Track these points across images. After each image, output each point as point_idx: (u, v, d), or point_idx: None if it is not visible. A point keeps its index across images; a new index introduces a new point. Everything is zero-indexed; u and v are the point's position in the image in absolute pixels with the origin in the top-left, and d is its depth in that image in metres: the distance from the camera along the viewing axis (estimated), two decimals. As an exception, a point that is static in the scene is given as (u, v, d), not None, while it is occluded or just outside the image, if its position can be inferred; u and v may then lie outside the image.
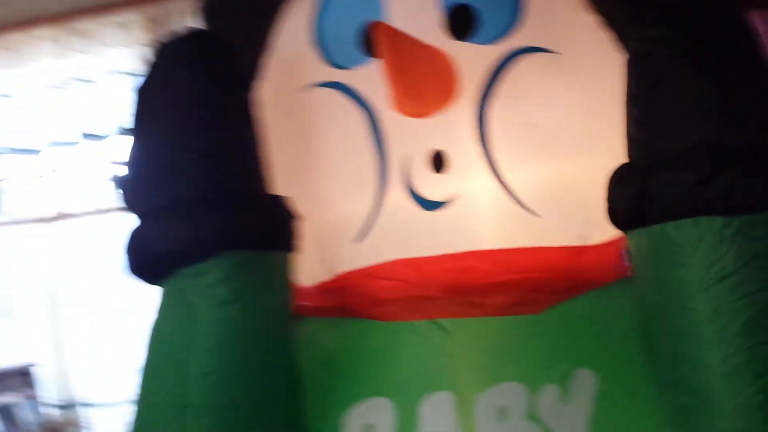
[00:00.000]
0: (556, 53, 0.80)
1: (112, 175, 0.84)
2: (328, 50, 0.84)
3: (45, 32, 2.92)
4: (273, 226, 0.76)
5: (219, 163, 0.75)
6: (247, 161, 0.77)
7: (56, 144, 3.05)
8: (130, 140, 0.77)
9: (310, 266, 0.83)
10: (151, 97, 0.77)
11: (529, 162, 0.79)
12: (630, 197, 0.71)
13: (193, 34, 0.78)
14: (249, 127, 0.78)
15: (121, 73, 2.95)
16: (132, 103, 0.77)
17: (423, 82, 0.75)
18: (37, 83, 3.02)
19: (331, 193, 0.83)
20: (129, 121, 0.78)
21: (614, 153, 0.78)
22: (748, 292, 0.66)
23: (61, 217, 3.12)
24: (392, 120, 0.79)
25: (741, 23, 0.74)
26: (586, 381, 0.76)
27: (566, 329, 0.79)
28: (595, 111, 0.81)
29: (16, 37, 3.02)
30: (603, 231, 0.80)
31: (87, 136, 3.00)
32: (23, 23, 2.92)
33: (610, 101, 0.80)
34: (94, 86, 2.95)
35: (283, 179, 0.81)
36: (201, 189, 0.73)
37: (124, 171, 0.77)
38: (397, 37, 0.74)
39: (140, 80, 0.77)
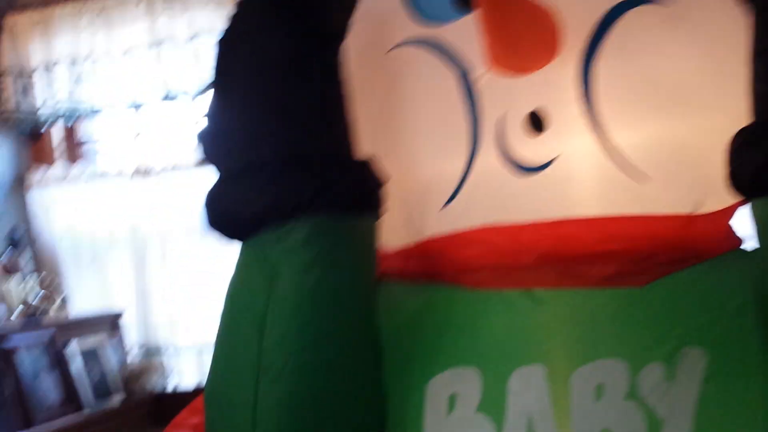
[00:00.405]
0: (669, 5, 0.73)
1: (196, 132, 0.81)
2: (418, 5, 0.79)
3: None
4: (359, 190, 0.73)
5: (304, 124, 0.71)
6: (333, 123, 0.74)
7: (144, 104, 3.13)
8: (211, 95, 0.75)
9: (396, 230, 0.80)
10: (235, 51, 0.73)
11: (639, 122, 0.73)
12: (759, 160, 0.65)
13: None
14: (336, 88, 0.74)
15: (207, 33, 2.98)
16: (214, 55, 0.74)
17: (523, 36, 0.69)
18: (126, 45, 3.09)
19: (420, 156, 0.79)
20: (211, 75, 0.74)
21: (736, 113, 0.72)
22: None
23: (148, 172, 3.20)
24: (487, 78, 0.74)
25: None
26: (694, 360, 0.70)
27: (673, 303, 0.72)
28: (713, 67, 0.74)
29: (107, 2, 3.08)
30: (720, 197, 0.74)
31: (174, 95, 3.06)
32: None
33: (730, 57, 0.73)
34: (181, 47, 3.00)
35: (369, 141, 0.78)
36: (284, 150, 0.70)
37: (205, 126, 0.74)
38: None
39: (223, 32, 0.74)
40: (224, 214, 0.72)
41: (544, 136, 0.73)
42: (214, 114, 0.74)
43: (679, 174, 0.73)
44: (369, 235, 0.75)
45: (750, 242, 0.75)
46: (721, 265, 0.75)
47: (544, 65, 0.71)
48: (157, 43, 3.06)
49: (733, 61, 0.74)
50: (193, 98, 3.02)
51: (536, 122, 0.73)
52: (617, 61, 0.72)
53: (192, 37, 3.02)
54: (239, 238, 0.74)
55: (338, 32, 0.75)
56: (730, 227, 0.78)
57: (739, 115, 0.73)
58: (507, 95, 0.74)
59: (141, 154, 3.19)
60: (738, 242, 0.79)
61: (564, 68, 0.72)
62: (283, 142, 0.71)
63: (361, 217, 0.74)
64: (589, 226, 0.73)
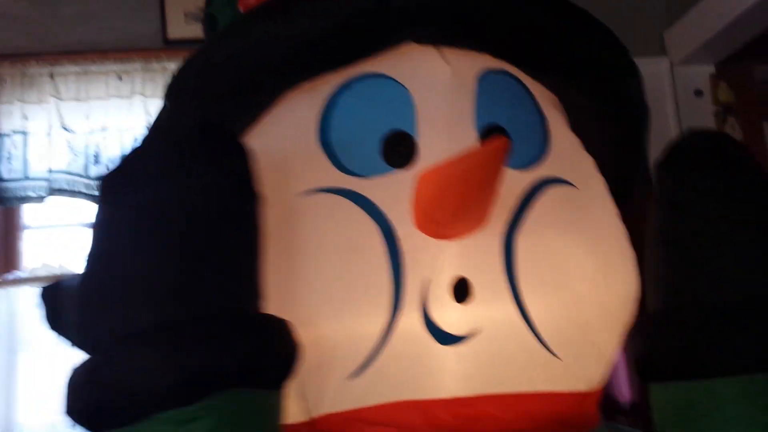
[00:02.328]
0: (576, 187, 0.76)
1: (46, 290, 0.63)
2: (339, 154, 0.72)
3: None
4: (280, 359, 0.62)
5: (225, 278, 0.60)
6: (253, 277, 0.63)
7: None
8: (90, 236, 0.59)
9: (288, 401, 0.67)
10: (136, 190, 0.60)
11: (550, 298, 0.72)
12: (675, 347, 0.67)
13: (205, 126, 0.64)
14: (257, 237, 0.64)
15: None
16: (102, 193, 0.59)
17: (457, 201, 0.65)
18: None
19: (330, 317, 0.69)
20: (95, 213, 0.59)
21: (624, 296, 0.76)
22: None
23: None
24: (412, 239, 0.68)
25: (758, 165, 0.74)
26: None
27: None
28: (603, 248, 0.77)
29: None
30: (605, 376, 0.76)
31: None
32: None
33: (614, 241, 0.78)
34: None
35: (272, 296, 0.67)
36: (199, 309, 0.58)
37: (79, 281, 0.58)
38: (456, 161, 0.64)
39: (120, 166, 0.59)
40: (107, 394, 0.56)
41: (468, 305, 0.68)
42: (96, 264, 0.58)
43: (582, 351, 0.73)
44: (278, 411, 0.64)
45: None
46: None
47: (472, 232, 0.68)
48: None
49: (614, 242, 0.79)
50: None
51: (461, 290, 0.68)
52: (534, 235, 0.72)
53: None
54: (119, 425, 0.57)
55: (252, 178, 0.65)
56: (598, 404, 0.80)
57: (626, 298, 0.76)
58: (432, 259, 0.68)
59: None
60: (599, 415, 0.80)
61: (489, 238, 0.69)
62: (198, 297, 0.58)
63: (275, 389, 0.63)
64: (504, 405, 0.69)
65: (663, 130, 2.23)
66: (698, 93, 2.25)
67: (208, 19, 0.86)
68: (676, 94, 2.24)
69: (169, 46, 2.28)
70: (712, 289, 0.67)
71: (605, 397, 0.79)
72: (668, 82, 2.25)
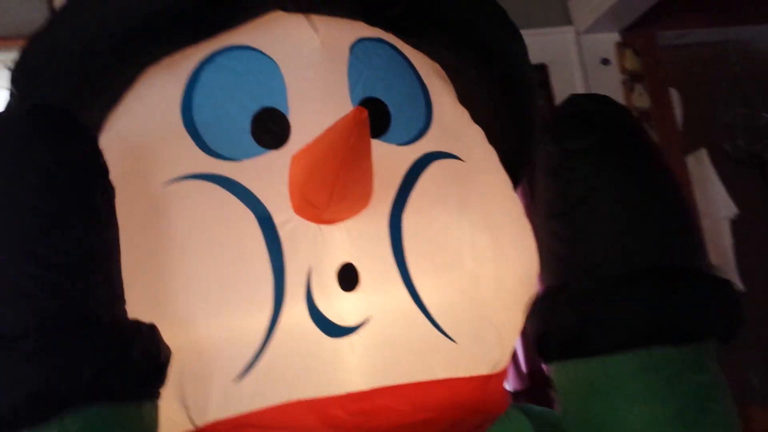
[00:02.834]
0: (462, 160, 0.72)
1: None
2: (206, 136, 0.66)
3: None
4: (143, 368, 0.56)
5: (72, 282, 0.54)
6: (108, 279, 0.57)
7: None
8: None
9: (169, 411, 0.62)
10: None
11: (443, 280, 0.68)
12: (567, 325, 0.64)
13: (37, 108, 0.58)
14: (109, 233, 0.58)
15: None
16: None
17: (336, 183, 0.60)
18: None
19: (206, 317, 0.63)
20: None
21: (522, 271, 0.73)
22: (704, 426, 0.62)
23: None
24: (291, 224, 0.63)
25: (648, 136, 0.72)
26: None
27: None
28: (496, 223, 0.73)
29: None
30: (508, 357, 0.73)
31: None
32: None
33: (507, 214, 0.75)
34: None
35: (140, 298, 0.61)
36: (47, 316, 0.52)
37: None
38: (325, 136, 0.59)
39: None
40: None
41: (356, 293, 0.64)
42: None
43: (480, 333, 0.70)
44: (151, 424, 0.58)
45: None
46: (508, 426, 0.73)
47: (354, 214, 0.63)
48: None
49: (510, 216, 0.75)
50: None
51: (347, 277, 0.64)
52: (421, 213, 0.68)
53: None
54: None
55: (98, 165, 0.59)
56: (504, 385, 0.77)
57: (524, 274, 0.73)
58: (315, 246, 0.63)
59: None
60: (507, 397, 0.77)
61: (374, 219, 0.65)
62: (44, 304, 0.53)
63: (144, 401, 0.57)
64: (402, 396, 0.65)
65: (573, 100, 2.24)
66: (605, 61, 2.27)
67: None
68: (584, 64, 2.25)
69: (58, 34, 2.17)
70: (602, 262, 0.65)
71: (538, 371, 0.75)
72: (575, 51, 2.26)
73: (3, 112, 0.62)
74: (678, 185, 0.70)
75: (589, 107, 0.70)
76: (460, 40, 0.75)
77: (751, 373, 2.42)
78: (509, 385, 1.97)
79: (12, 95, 0.71)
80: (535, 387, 2.13)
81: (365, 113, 0.56)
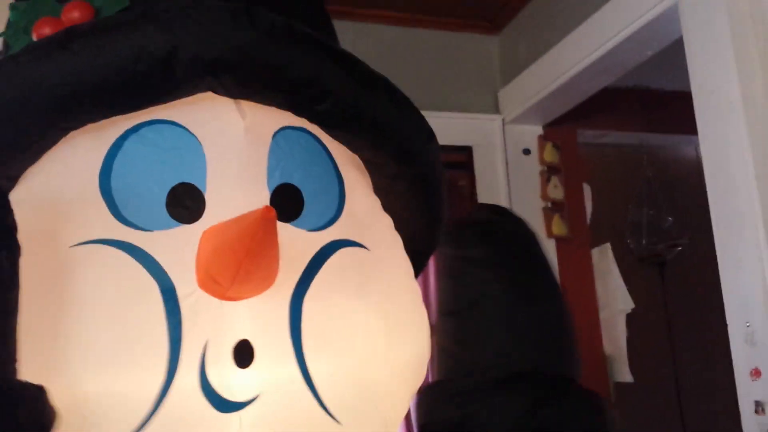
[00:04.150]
0: (367, 249, 0.76)
1: None
2: (120, 204, 0.68)
3: None
4: (30, 429, 0.57)
5: None
6: (4, 339, 0.58)
7: None
8: None
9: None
10: None
11: (334, 361, 0.71)
12: (450, 420, 0.68)
13: None
14: (10, 293, 0.59)
15: None
16: None
17: (243, 261, 0.63)
18: None
19: (97, 381, 0.64)
20: None
21: (413, 354, 0.76)
22: None
23: None
24: (194, 298, 0.66)
25: (542, 250, 0.78)
26: None
27: None
28: (392, 309, 0.77)
29: None
30: None
31: None
32: None
33: (404, 302, 0.78)
34: None
35: (33, 358, 0.61)
36: None
37: None
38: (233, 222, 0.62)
39: None
40: None
41: (250, 370, 0.66)
42: None
43: (365, 416, 0.73)
44: None
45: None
46: None
47: (257, 294, 0.66)
48: None
49: (407, 306, 0.79)
50: None
51: (243, 354, 0.66)
52: (322, 297, 0.71)
53: None
54: None
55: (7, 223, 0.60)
56: None
57: (415, 359, 0.77)
58: (214, 320, 0.66)
59: None
60: None
61: (276, 300, 0.68)
62: None
63: None
64: None
65: (492, 184, 2.33)
66: (526, 152, 2.37)
67: (4, 45, 0.80)
68: (506, 150, 2.34)
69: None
70: (486, 363, 0.70)
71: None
72: (499, 138, 2.35)
73: None
74: (562, 298, 0.77)
75: (489, 218, 0.76)
76: (379, 138, 0.80)
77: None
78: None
79: None
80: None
81: (273, 212, 0.59)
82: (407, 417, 0.78)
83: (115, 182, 0.68)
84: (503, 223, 0.76)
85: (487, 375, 0.69)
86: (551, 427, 0.68)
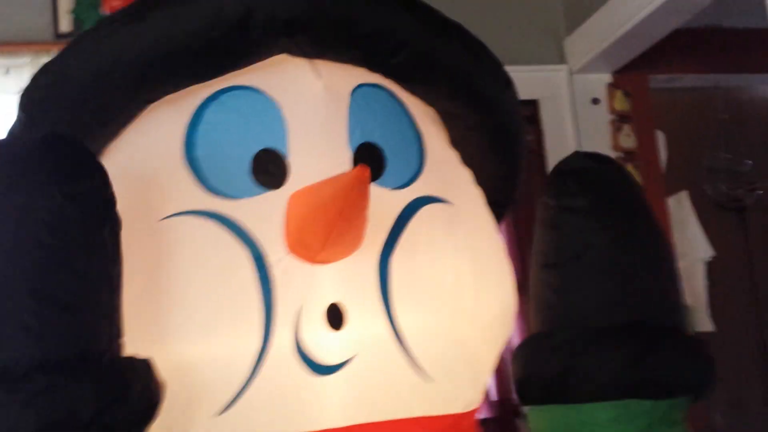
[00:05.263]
0: (450, 203, 0.75)
1: None
2: (206, 173, 0.68)
3: None
4: (140, 405, 0.58)
5: (76, 319, 0.56)
6: (110, 315, 0.59)
7: None
8: None
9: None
10: None
11: (424, 318, 0.71)
12: (550, 371, 0.67)
13: (51, 138, 0.59)
14: (114, 268, 0.60)
15: None
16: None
17: (330, 225, 0.63)
18: None
19: (195, 349, 0.65)
20: None
21: (499, 313, 0.76)
22: None
23: None
24: (284, 264, 0.66)
25: (643, 196, 0.76)
26: None
27: None
28: (479, 264, 0.76)
29: None
30: (481, 395, 0.76)
31: None
32: None
33: (490, 257, 0.78)
34: None
35: (134, 330, 0.63)
36: (48, 356, 0.54)
37: None
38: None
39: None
40: None
41: (342, 332, 0.66)
42: None
43: (456, 372, 0.73)
44: None
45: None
46: None
47: (346, 256, 0.66)
48: None
49: (494, 263, 0.79)
50: None
51: (335, 317, 0.66)
52: (410, 256, 0.70)
53: None
54: None
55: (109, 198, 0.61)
56: (476, 423, 0.80)
57: (502, 312, 0.77)
58: (305, 285, 0.66)
59: None
60: None
61: (364, 261, 0.68)
62: (47, 341, 0.54)
63: None
64: None
65: (560, 138, 2.27)
66: (595, 101, 2.30)
67: (75, 22, 0.82)
68: (574, 102, 2.28)
69: (60, 39, 2.16)
70: (589, 314, 0.68)
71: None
72: (567, 89, 2.29)
73: (13, 138, 0.64)
74: (666, 245, 0.74)
75: (589, 166, 0.74)
76: (456, 89, 0.78)
77: (715, 413, 2.46)
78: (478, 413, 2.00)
79: (19, 119, 0.73)
80: (504, 416, 2.15)
81: (368, 172, 0.59)
82: (496, 372, 0.77)
83: (199, 152, 0.69)
84: (603, 171, 0.74)
85: (590, 326, 0.68)
86: (656, 378, 0.66)
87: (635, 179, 0.78)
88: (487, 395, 2.13)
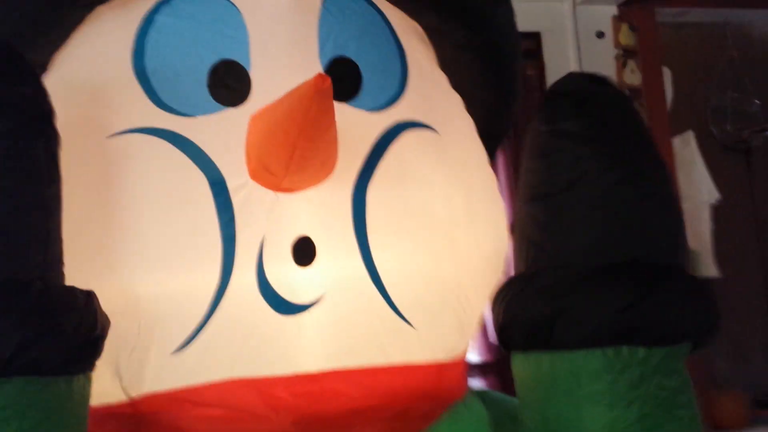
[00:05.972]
0: (435, 131, 0.68)
1: None
2: (158, 87, 0.61)
3: None
4: (75, 340, 0.52)
5: (2, 243, 0.51)
6: (44, 240, 0.53)
7: None
8: None
9: (103, 378, 0.58)
10: None
11: (404, 258, 0.64)
12: (536, 315, 0.60)
13: None
14: (50, 188, 0.54)
15: None
16: None
17: (297, 148, 0.55)
18: None
19: (148, 283, 0.59)
20: None
21: (489, 252, 0.69)
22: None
23: None
24: (246, 191, 0.59)
25: (644, 124, 0.68)
26: None
27: None
28: (468, 199, 0.69)
29: None
30: (468, 343, 0.71)
31: None
32: None
33: (479, 191, 0.71)
34: None
35: (78, 260, 0.56)
36: None
37: None
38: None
39: None
40: None
41: (311, 268, 0.60)
42: None
43: (439, 318, 0.66)
44: (83, 397, 0.55)
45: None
46: (463, 414, 0.70)
47: (315, 184, 0.59)
48: None
49: (484, 192, 0.72)
50: None
51: (303, 251, 0.59)
52: (388, 186, 0.64)
53: None
54: None
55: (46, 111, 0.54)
56: (465, 371, 0.74)
57: (493, 253, 0.69)
58: (270, 215, 0.59)
59: None
60: (466, 384, 0.74)
61: (337, 190, 0.61)
62: None
63: (75, 377, 0.53)
64: (353, 380, 0.61)
65: (563, 73, 2.17)
66: (600, 35, 2.21)
67: None
68: (578, 35, 2.19)
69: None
70: (580, 251, 0.61)
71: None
72: (570, 22, 2.20)
73: None
74: (669, 178, 0.67)
75: (586, 87, 0.65)
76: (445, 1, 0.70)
77: (719, 359, 2.43)
78: (477, 357, 1.95)
79: None
80: (503, 359, 2.11)
81: (328, 81, 0.51)
82: (485, 318, 0.71)
83: (149, 63, 0.62)
84: (601, 94, 0.65)
85: (582, 265, 0.60)
86: (653, 323, 0.59)
87: (636, 106, 0.69)
88: (486, 338, 2.09)
